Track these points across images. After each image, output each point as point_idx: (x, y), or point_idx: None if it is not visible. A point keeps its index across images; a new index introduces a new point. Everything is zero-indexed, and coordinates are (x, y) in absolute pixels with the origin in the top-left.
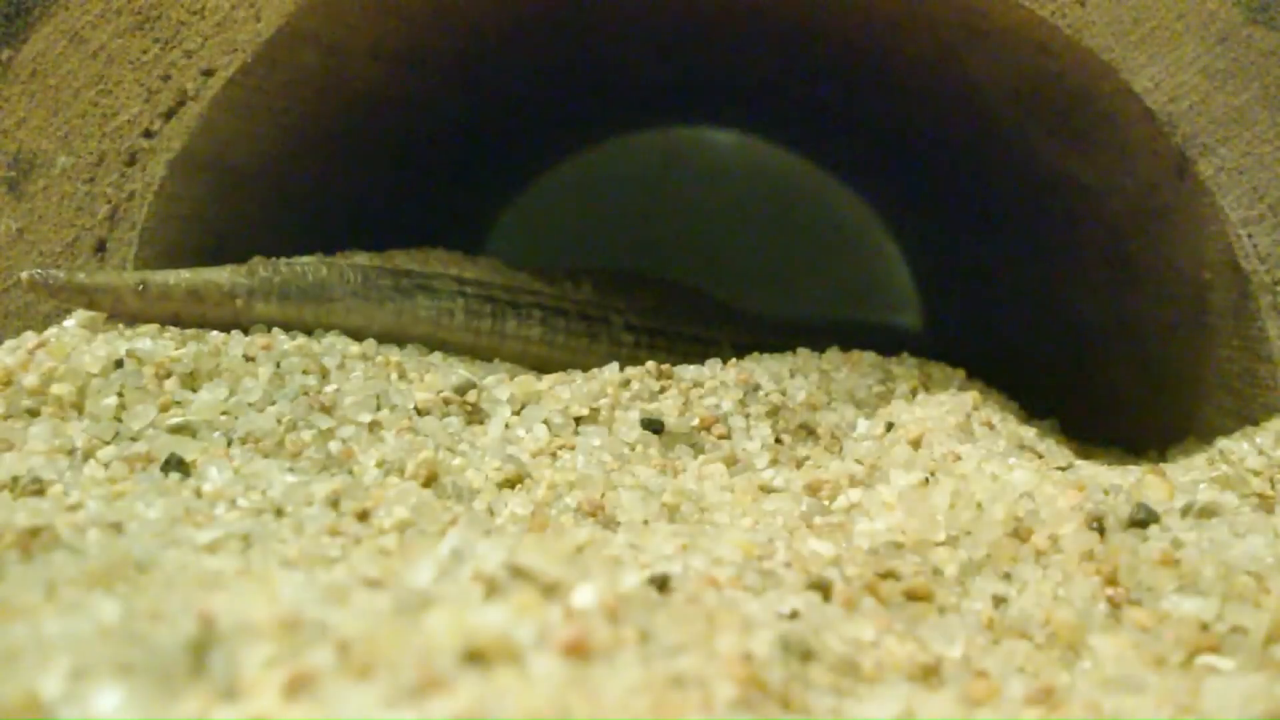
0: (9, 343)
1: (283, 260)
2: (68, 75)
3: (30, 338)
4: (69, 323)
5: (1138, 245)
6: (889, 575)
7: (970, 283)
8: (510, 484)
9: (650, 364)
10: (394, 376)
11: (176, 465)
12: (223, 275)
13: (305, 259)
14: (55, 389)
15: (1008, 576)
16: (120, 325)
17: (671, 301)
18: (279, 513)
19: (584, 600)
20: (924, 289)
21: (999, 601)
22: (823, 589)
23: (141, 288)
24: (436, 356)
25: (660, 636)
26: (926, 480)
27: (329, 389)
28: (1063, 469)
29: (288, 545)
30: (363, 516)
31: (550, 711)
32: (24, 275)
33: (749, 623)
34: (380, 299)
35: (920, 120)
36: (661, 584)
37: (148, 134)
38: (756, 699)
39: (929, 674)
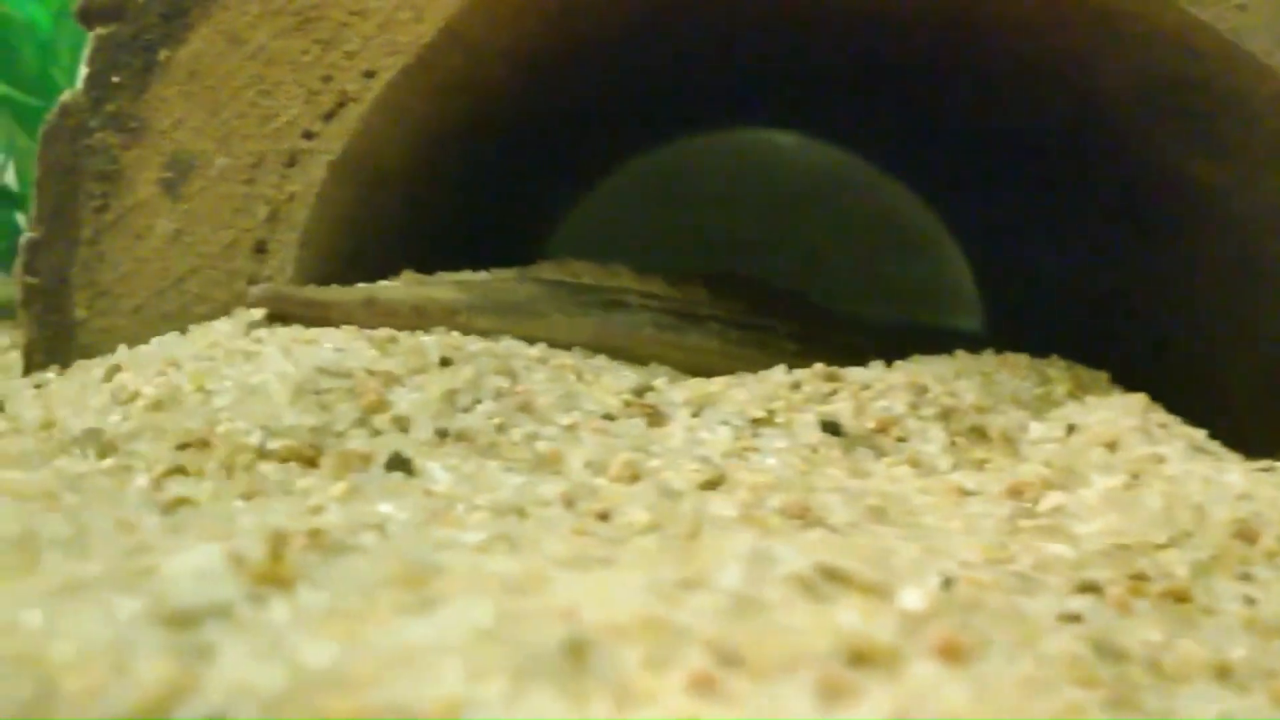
0: (196, 349)
1: (487, 274)
2: (226, 76)
3: (221, 337)
4: (221, 325)
5: (1264, 246)
6: (1138, 577)
7: (1046, 284)
8: (711, 485)
9: (818, 366)
10: (571, 378)
11: (400, 465)
12: (445, 292)
13: (504, 273)
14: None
15: (1247, 577)
16: (297, 327)
17: (802, 308)
18: (520, 513)
19: (913, 602)
20: (988, 291)
21: (1249, 601)
22: (1094, 591)
23: (370, 304)
24: (601, 359)
25: (994, 637)
26: (1130, 482)
27: (520, 389)
28: (1264, 470)
29: (550, 546)
30: (603, 517)
31: (969, 713)
32: (252, 290)
33: (1040, 625)
34: (584, 314)
35: (1016, 123)
36: (948, 585)
37: (308, 135)
38: (1113, 699)
39: (1225, 674)
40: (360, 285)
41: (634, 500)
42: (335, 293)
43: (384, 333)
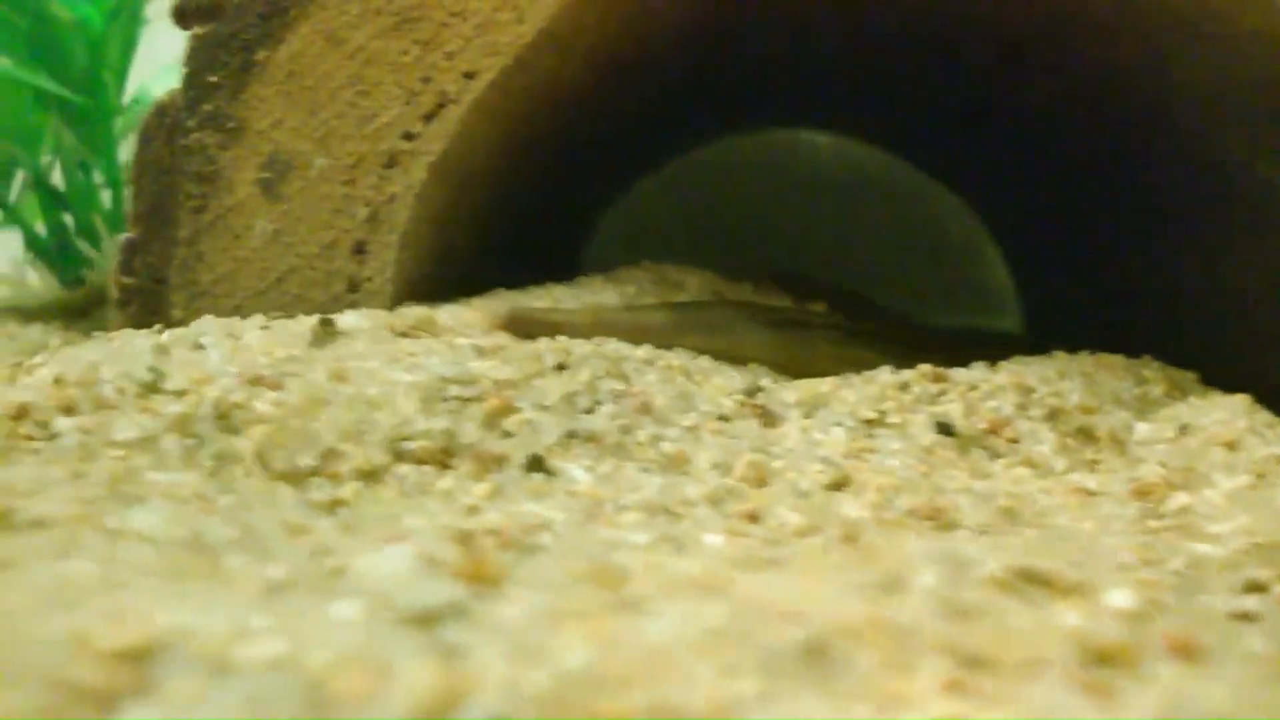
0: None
1: (568, 285)
2: (325, 76)
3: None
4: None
5: None
6: None
7: (1092, 288)
8: (837, 487)
9: (924, 366)
10: (681, 379)
11: (538, 466)
12: (656, 314)
13: (591, 279)
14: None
15: None
16: (401, 331)
17: (865, 307)
18: (670, 514)
19: (1122, 602)
20: (1028, 293)
21: None
22: (1260, 590)
23: (598, 324)
24: (704, 360)
25: (1204, 636)
26: (1255, 483)
27: (635, 390)
28: None
29: (713, 547)
30: (753, 519)
31: (1234, 711)
32: (499, 309)
33: (1229, 624)
34: (770, 331)
35: (1070, 127)
36: (1139, 586)
37: (408, 136)
38: None
39: None
40: (590, 306)
41: (778, 501)
42: (569, 314)
43: (495, 341)
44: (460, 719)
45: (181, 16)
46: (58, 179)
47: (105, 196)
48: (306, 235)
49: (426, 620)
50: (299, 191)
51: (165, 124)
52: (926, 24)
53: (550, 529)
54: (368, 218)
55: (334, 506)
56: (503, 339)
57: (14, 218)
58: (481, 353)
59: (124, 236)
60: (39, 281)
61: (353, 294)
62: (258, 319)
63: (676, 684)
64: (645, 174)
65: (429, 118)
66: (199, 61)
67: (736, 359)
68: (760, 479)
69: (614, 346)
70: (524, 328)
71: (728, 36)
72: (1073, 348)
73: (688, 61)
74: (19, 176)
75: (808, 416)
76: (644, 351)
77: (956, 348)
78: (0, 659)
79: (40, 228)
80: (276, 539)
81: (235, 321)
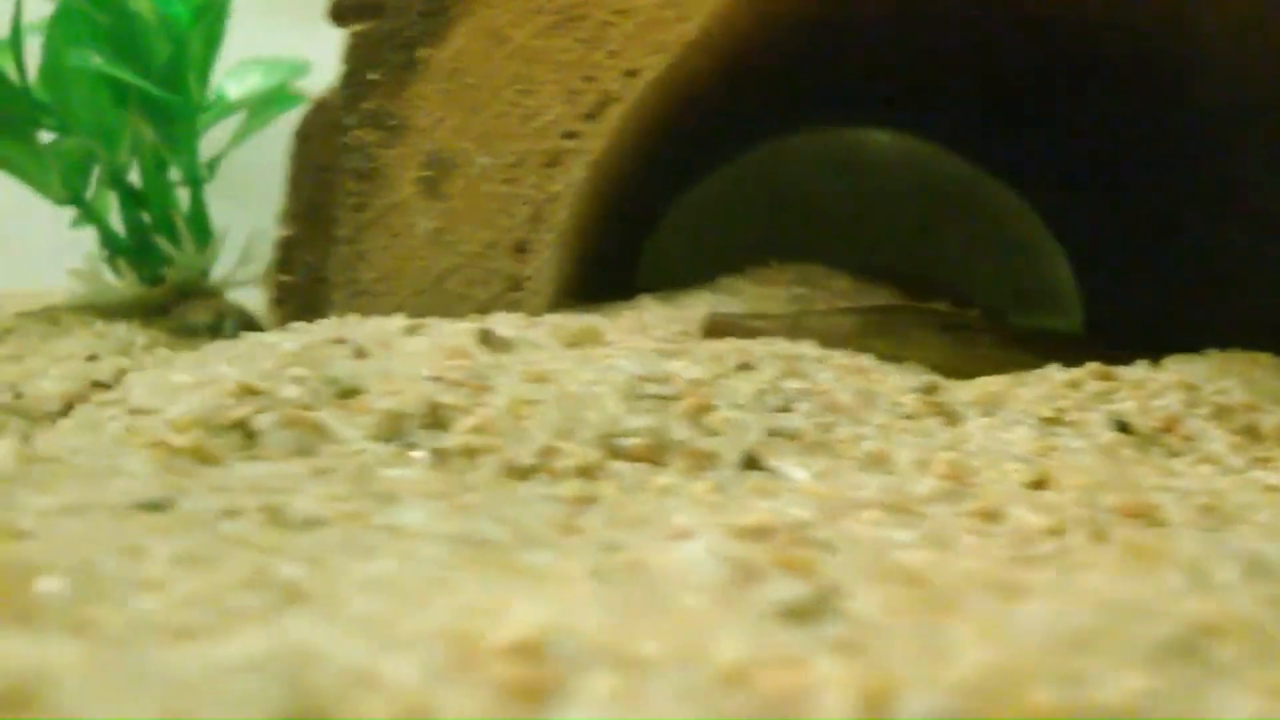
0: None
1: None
2: (487, 74)
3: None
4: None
5: None
6: None
7: (1158, 286)
8: (1037, 485)
9: (1093, 365)
10: (855, 377)
11: (753, 463)
12: (845, 319)
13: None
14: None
15: None
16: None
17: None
18: (908, 512)
19: None
20: (1091, 291)
21: None
22: None
23: (795, 329)
24: (868, 358)
25: None
26: None
27: (820, 388)
28: None
29: (971, 545)
30: (991, 518)
31: None
32: (706, 316)
33: None
34: (938, 336)
35: (1137, 124)
36: None
37: (569, 135)
38: None
39: None
40: (786, 314)
41: (1008, 500)
42: (767, 321)
43: (675, 344)
44: (899, 717)
45: (339, 14)
46: (134, 177)
47: (182, 194)
48: (468, 234)
49: (795, 616)
50: (460, 190)
51: (324, 122)
52: (989, 22)
53: (811, 528)
54: (529, 216)
55: (583, 503)
56: (677, 343)
57: (90, 215)
58: (665, 354)
59: (280, 234)
60: (115, 279)
61: (514, 293)
62: (399, 319)
63: (1081, 679)
64: (715, 168)
65: (590, 116)
66: (359, 59)
67: (896, 358)
68: (958, 476)
69: (784, 346)
70: (724, 334)
71: (823, 33)
72: (1157, 348)
73: (779, 60)
74: (95, 172)
75: (986, 415)
76: (813, 350)
77: (1082, 349)
78: (385, 658)
79: (117, 224)
80: (549, 535)
81: (386, 321)
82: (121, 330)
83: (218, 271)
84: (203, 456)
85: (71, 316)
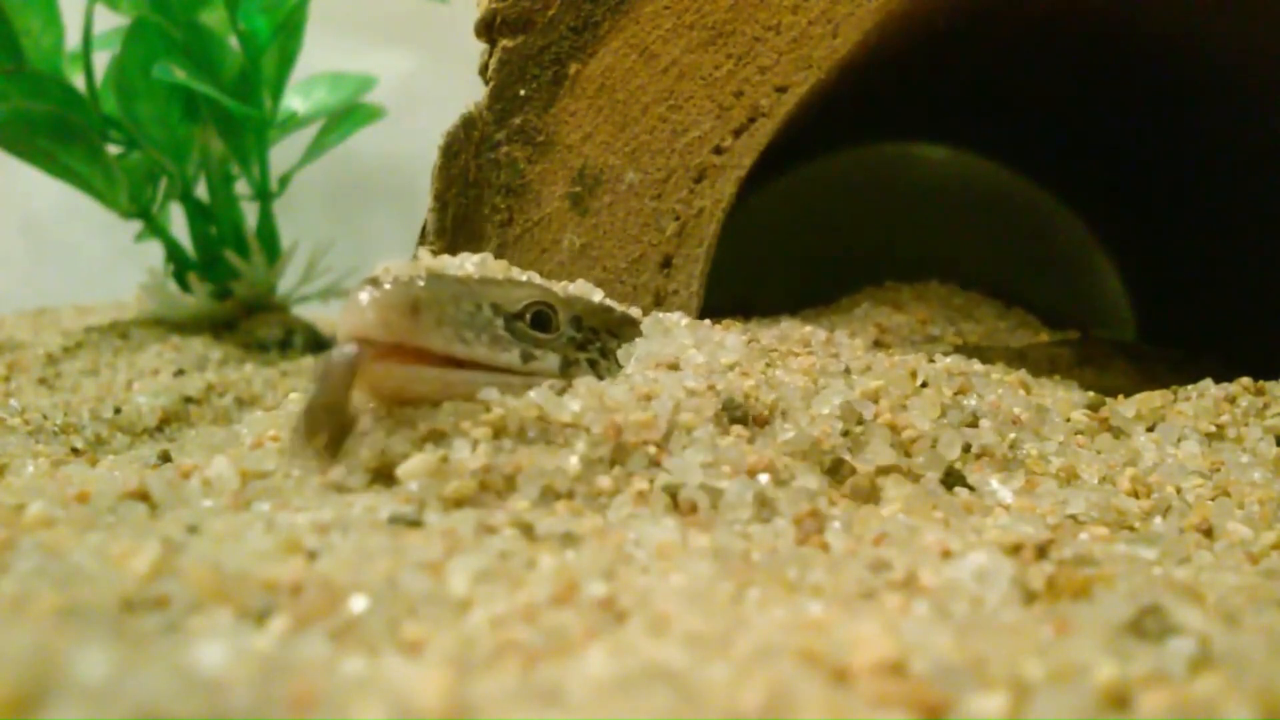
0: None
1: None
2: (637, 90)
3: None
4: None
5: None
6: None
7: (1209, 297)
8: (1218, 499)
9: (1245, 380)
10: (1024, 393)
11: (958, 480)
12: (1064, 350)
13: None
14: None
15: None
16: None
17: None
18: (1129, 529)
19: None
20: (1142, 302)
21: None
22: None
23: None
24: (1021, 373)
25: None
26: None
27: (998, 405)
28: None
29: (1212, 562)
30: (1207, 533)
31: None
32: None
33: None
34: (1128, 360)
35: (1188, 135)
36: None
37: (718, 150)
38: None
39: None
40: None
41: (1224, 515)
42: (991, 351)
43: (863, 360)
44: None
45: (488, 29)
46: (200, 191)
47: (249, 209)
48: (615, 249)
49: (1138, 634)
50: (608, 206)
51: (472, 137)
52: (1041, 37)
53: (1055, 546)
54: (676, 232)
55: (811, 518)
56: (866, 359)
57: (156, 229)
58: (851, 370)
59: (421, 249)
60: (182, 293)
61: (659, 308)
62: None
63: None
64: (772, 180)
65: (739, 132)
66: (508, 75)
67: (1099, 386)
68: (1144, 493)
69: (950, 362)
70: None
71: (918, 50)
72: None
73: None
74: (161, 186)
75: (1150, 430)
76: (978, 366)
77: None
78: (757, 679)
79: (184, 238)
80: (798, 551)
81: None
82: (197, 345)
83: (282, 286)
84: None
85: (141, 330)
